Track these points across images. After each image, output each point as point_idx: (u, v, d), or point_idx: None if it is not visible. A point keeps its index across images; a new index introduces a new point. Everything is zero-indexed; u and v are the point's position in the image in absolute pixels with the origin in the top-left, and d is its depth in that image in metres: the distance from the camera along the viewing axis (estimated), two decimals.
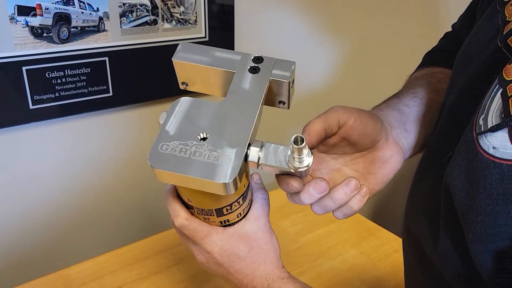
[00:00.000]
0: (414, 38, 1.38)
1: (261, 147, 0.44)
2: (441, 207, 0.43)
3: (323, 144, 0.52)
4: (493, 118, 0.36)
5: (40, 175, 0.89)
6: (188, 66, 0.48)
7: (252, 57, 0.48)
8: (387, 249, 0.96)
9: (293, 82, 0.48)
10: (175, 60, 0.48)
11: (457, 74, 0.51)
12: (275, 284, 0.49)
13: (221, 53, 0.48)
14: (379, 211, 1.63)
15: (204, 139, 0.42)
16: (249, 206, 0.51)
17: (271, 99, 0.49)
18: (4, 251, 0.89)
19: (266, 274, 0.49)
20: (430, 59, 0.70)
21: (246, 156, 0.43)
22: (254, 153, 0.44)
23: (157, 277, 0.85)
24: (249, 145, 0.43)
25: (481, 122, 0.38)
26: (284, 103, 0.49)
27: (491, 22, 0.46)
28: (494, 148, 0.35)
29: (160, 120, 0.44)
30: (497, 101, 0.37)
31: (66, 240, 0.96)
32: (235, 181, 0.40)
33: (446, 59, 0.66)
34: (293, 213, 1.06)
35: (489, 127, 0.36)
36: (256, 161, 0.44)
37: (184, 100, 0.45)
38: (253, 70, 0.47)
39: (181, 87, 0.51)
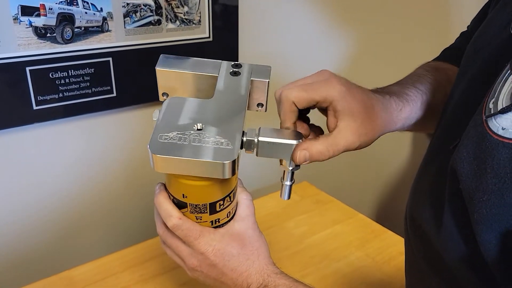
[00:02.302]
0: (421, 38, 1.37)
1: (257, 131, 0.49)
2: (446, 191, 0.44)
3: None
4: (503, 100, 0.38)
5: (43, 175, 0.88)
6: (172, 73, 0.52)
7: (232, 64, 0.53)
8: (392, 251, 0.95)
9: (268, 84, 0.53)
10: (158, 68, 0.52)
11: (467, 64, 0.52)
12: (270, 279, 0.50)
13: (201, 61, 0.54)
14: (384, 213, 1.62)
15: (200, 129, 0.45)
16: (235, 207, 0.54)
17: (249, 102, 0.53)
18: (5, 252, 0.89)
19: (260, 270, 0.51)
20: (443, 55, 0.72)
21: (242, 143, 0.47)
22: (251, 135, 0.48)
23: (160, 279, 0.85)
24: (244, 133, 0.48)
25: (491, 105, 0.39)
26: (262, 105, 0.54)
27: (503, 12, 0.48)
28: (503, 129, 0.36)
29: (153, 117, 0.47)
30: (509, 84, 0.38)
31: (68, 242, 0.96)
32: (234, 163, 0.43)
33: (455, 57, 0.67)
34: (297, 215, 1.05)
35: (499, 109, 0.37)
36: (256, 140, 0.48)
37: (175, 99, 0.49)
38: (234, 74, 0.52)
39: (161, 98, 0.54)
